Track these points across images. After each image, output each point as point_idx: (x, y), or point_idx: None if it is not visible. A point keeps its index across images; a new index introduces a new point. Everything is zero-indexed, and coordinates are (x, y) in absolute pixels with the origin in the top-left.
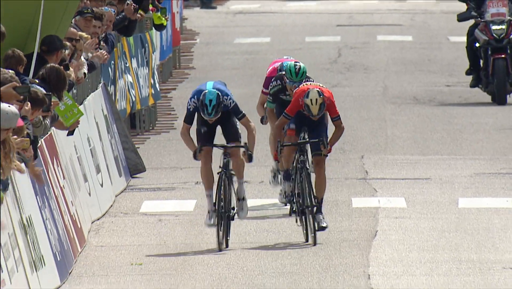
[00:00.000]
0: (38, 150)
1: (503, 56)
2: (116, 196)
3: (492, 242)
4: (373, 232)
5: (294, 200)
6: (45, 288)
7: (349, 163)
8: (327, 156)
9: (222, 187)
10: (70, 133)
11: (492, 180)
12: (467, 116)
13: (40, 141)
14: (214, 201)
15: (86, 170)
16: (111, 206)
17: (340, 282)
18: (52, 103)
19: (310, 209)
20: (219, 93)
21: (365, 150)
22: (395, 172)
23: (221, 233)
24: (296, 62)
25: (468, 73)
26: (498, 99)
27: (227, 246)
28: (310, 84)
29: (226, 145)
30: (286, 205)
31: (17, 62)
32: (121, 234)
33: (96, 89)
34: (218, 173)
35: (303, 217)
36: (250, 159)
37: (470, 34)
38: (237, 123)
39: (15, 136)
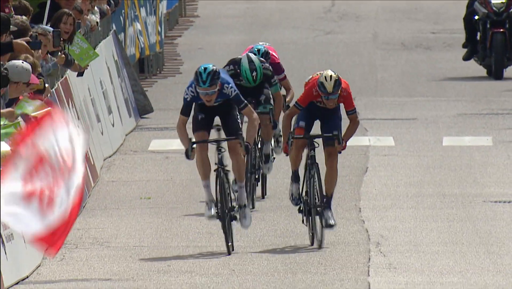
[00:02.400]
0: (55, 92)
1: (501, 30)
2: (126, 135)
3: (473, 177)
4: (363, 169)
5: (302, 200)
6: None
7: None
8: (340, 152)
9: (220, 186)
10: (80, 74)
11: (474, 120)
12: (451, 61)
13: (56, 84)
14: (212, 194)
15: (98, 111)
16: (122, 144)
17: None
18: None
19: (317, 209)
20: (215, 66)
21: (357, 92)
22: (384, 112)
23: (229, 239)
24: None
25: (464, 46)
26: (495, 74)
27: (232, 249)
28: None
29: (219, 138)
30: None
31: (23, 12)
32: (131, 170)
33: (107, 36)
34: (214, 170)
35: (310, 218)
36: (246, 150)
37: (469, 6)
38: (238, 117)
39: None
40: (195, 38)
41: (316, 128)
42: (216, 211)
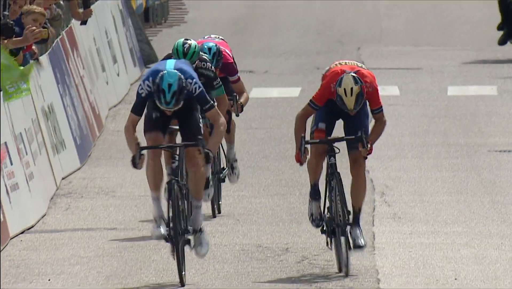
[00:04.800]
0: (60, 41)
1: None
2: (131, 85)
3: (478, 127)
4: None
5: (324, 219)
6: (66, 170)
7: (347, 54)
8: (366, 157)
9: (173, 202)
10: (83, 23)
11: (479, 69)
12: (456, 10)
13: (61, 33)
14: (162, 209)
15: (103, 60)
16: (127, 93)
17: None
18: None
19: (342, 228)
20: (181, 76)
21: (362, 42)
22: (389, 62)
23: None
24: (187, 39)
25: (500, 28)
26: None
27: (183, 284)
28: (346, 64)
29: (174, 144)
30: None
31: None
32: None
33: None
34: (167, 183)
35: (335, 239)
36: (207, 159)
37: None
38: (201, 120)
39: (34, 28)
40: None
41: (338, 129)
42: (167, 230)
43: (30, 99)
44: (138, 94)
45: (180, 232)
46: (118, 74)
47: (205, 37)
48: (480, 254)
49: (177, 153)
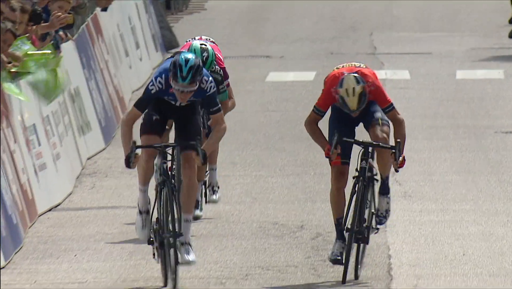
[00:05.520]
0: (86, 28)
1: None
2: (153, 69)
3: (485, 109)
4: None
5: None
6: (91, 150)
7: (359, 40)
8: (397, 170)
9: (162, 203)
10: (104, 9)
11: (486, 54)
12: None
13: (87, 20)
14: (148, 205)
15: (127, 46)
16: (149, 77)
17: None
18: None
19: (360, 237)
20: (198, 58)
21: (374, 28)
22: (400, 47)
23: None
24: (203, 44)
25: (511, 21)
26: None
27: (174, 286)
28: (344, 67)
29: (170, 144)
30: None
31: None
32: None
33: None
34: (158, 184)
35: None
36: (204, 160)
37: None
38: (203, 125)
39: (59, 14)
40: None
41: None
42: (152, 233)
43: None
44: (148, 90)
45: (168, 235)
46: (140, 59)
47: (196, 38)
48: (487, 231)
49: (170, 152)
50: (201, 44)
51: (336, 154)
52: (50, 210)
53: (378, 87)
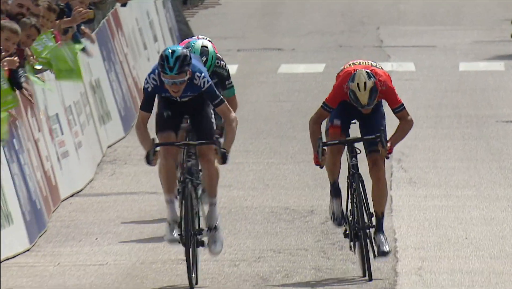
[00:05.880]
0: (106, 22)
1: None
2: None
3: (487, 100)
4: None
5: (347, 221)
6: (111, 138)
7: (367, 33)
8: (388, 157)
9: (186, 202)
10: (124, 5)
11: (488, 47)
12: None
13: (107, 15)
14: (177, 212)
15: (145, 39)
16: None
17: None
18: None
19: (364, 231)
20: (186, 49)
21: (381, 22)
22: (406, 40)
23: (192, 270)
24: (201, 38)
25: None
26: None
27: (196, 282)
28: (360, 64)
29: (190, 142)
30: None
31: None
32: None
33: None
34: (180, 182)
35: (358, 243)
36: (224, 159)
37: None
38: (212, 116)
39: (81, 9)
40: None
41: (354, 130)
42: (179, 233)
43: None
44: (145, 89)
45: (192, 233)
46: (158, 52)
47: (193, 37)
48: (488, 215)
49: (193, 151)
50: (202, 46)
51: (324, 160)
52: (72, 196)
53: (389, 87)
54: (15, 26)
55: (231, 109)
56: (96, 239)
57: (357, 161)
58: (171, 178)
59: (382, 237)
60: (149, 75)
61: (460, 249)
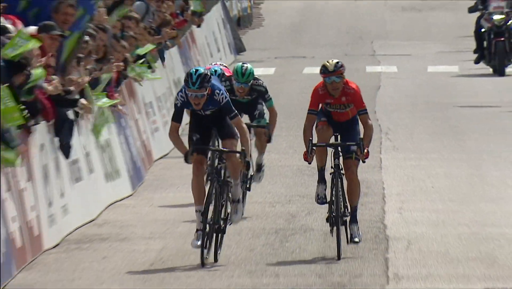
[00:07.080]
0: (185, 38)
1: (502, 39)
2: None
3: (447, 91)
4: (378, 86)
5: (329, 209)
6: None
7: (364, 46)
8: (364, 161)
9: (212, 195)
10: (198, 26)
11: (448, 55)
12: (434, 17)
13: (186, 34)
14: (202, 219)
15: (212, 50)
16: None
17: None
18: None
19: (343, 219)
20: (207, 71)
21: (374, 37)
22: (391, 50)
23: (205, 250)
24: (244, 63)
25: (475, 52)
26: (499, 71)
27: (216, 260)
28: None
29: (221, 149)
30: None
31: None
32: None
33: (217, 3)
34: (208, 179)
35: (336, 228)
36: (247, 166)
37: (477, 22)
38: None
39: (167, 30)
40: (273, 3)
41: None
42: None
43: (164, 77)
44: (175, 105)
45: (215, 220)
46: (220, 59)
47: (212, 63)
48: (448, 172)
49: (223, 156)
50: (242, 63)
51: (312, 157)
52: (161, 158)
53: (357, 92)
54: (123, 43)
55: (242, 122)
56: (178, 188)
57: (339, 162)
58: (201, 191)
59: (355, 227)
60: (178, 93)
61: (428, 195)
